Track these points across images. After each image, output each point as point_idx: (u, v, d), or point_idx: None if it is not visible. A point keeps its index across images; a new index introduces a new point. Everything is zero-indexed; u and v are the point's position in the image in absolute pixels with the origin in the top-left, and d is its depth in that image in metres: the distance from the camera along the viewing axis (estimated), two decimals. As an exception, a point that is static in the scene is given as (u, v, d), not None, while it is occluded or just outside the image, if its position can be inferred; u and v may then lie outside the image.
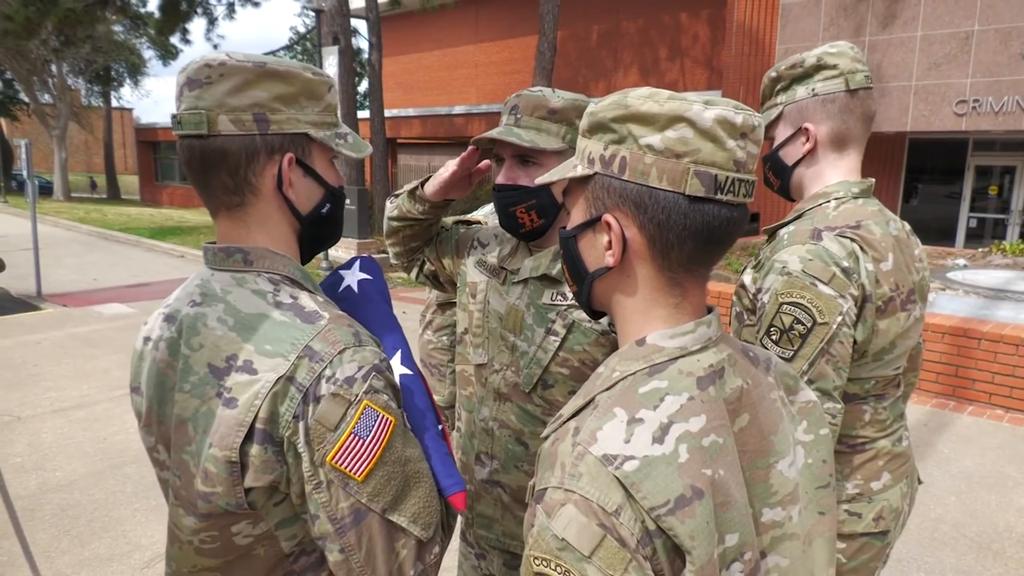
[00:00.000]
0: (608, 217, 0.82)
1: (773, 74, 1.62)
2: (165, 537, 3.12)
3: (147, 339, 1.06)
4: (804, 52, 1.57)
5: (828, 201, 1.51)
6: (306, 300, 0.98)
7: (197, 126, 0.95)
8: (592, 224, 0.85)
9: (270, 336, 0.93)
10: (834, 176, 1.55)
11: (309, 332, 0.93)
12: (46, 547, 3.33)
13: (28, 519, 3.56)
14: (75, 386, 5.71)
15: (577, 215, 0.88)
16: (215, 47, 23.31)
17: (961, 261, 9.73)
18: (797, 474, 0.89)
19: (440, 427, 1.09)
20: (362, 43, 19.96)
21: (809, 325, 1.37)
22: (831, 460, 0.95)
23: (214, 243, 1.04)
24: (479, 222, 1.79)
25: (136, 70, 32.31)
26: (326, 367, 0.90)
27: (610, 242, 0.83)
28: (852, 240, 1.42)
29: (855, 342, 1.42)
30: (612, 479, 0.72)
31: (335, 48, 12.98)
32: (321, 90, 1.02)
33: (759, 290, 1.47)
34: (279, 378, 0.90)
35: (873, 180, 1.58)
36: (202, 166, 0.97)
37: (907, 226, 1.61)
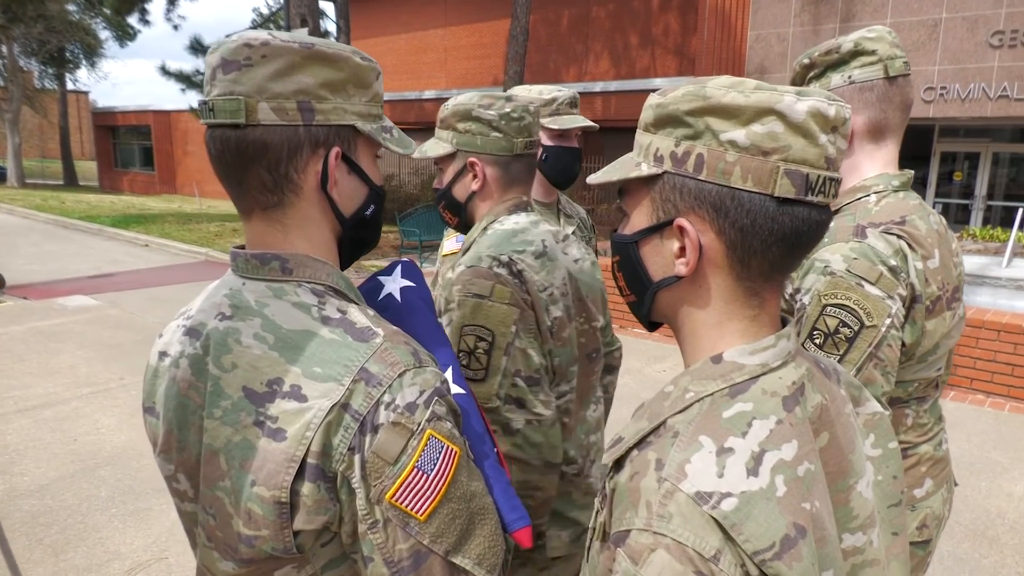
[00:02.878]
0: (682, 221, 0.74)
1: (806, 61, 1.53)
2: (145, 543, 2.92)
3: (163, 354, 0.95)
4: (840, 37, 1.49)
5: (868, 195, 1.44)
6: (356, 314, 0.87)
7: (233, 114, 0.83)
8: (660, 229, 0.76)
9: (319, 357, 0.81)
10: (871, 168, 1.48)
11: (363, 352, 0.82)
12: (18, 557, 3.14)
13: (-4, 528, 3.38)
14: (40, 384, 5.46)
15: (640, 218, 0.79)
16: (175, 28, 22.61)
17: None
18: (871, 493, 0.82)
19: (496, 451, 0.99)
20: (329, 26, 19.53)
21: (856, 328, 1.30)
22: (901, 476, 0.89)
23: (243, 247, 0.92)
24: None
25: (92, 51, 31.09)
26: (384, 392, 0.80)
27: (682, 249, 0.75)
28: (899, 237, 1.35)
29: (903, 344, 1.35)
30: (708, 520, 0.64)
31: (303, 31, 12.64)
32: (370, 77, 0.91)
33: (797, 290, 1.39)
34: (333, 405, 0.79)
35: (912, 172, 1.51)
36: (237, 160, 0.85)
37: (943, 220, 1.55)
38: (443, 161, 1.57)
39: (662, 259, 0.78)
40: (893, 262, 1.32)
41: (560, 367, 1.49)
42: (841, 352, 1.30)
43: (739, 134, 0.70)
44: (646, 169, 0.76)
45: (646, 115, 0.78)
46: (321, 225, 0.92)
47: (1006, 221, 12.46)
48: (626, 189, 0.82)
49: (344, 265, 0.99)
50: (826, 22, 12.36)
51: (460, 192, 1.56)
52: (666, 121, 0.75)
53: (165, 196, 25.57)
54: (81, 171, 34.72)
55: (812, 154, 0.70)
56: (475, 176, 1.51)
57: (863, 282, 1.30)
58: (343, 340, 0.83)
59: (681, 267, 0.75)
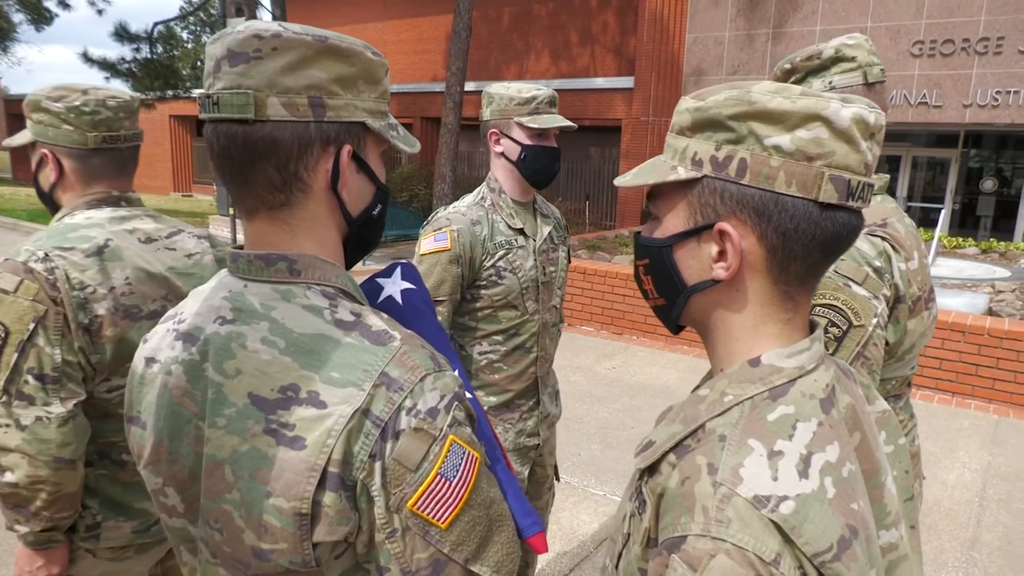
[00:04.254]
0: (724, 225, 0.74)
1: (787, 66, 1.56)
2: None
3: (151, 360, 0.89)
4: (821, 44, 1.53)
5: None
6: (371, 317, 0.84)
7: (242, 109, 0.79)
8: (697, 232, 0.76)
9: (336, 361, 0.78)
10: None
11: (382, 356, 0.79)
12: (-60, 580, 2.93)
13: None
14: (-43, 390, 5.09)
15: (674, 222, 0.79)
16: (99, 13, 21.45)
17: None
18: (895, 489, 0.85)
19: (504, 455, 0.98)
20: (265, 16, 18.95)
21: (844, 328, 1.33)
22: (911, 471, 0.92)
23: (242, 247, 0.88)
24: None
25: (5, 35, 29.30)
26: (406, 397, 0.78)
27: (722, 253, 0.75)
28: (883, 239, 1.39)
29: (887, 343, 1.39)
30: (767, 524, 0.65)
31: (239, 20, 12.25)
32: (380, 73, 0.88)
33: None
34: (354, 412, 0.76)
35: (888, 177, 1.56)
36: (244, 157, 0.81)
37: (913, 223, 1.61)
38: (30, 150, 1.62)
39: (698, 263, 0.78)
40: (878, 263, 1.36)
41: (102, 364, 1.53)
42: (830, 351, 1.33)
43: (784, 139, 0.71)
44: (683, 173, 0.76)
45: (681, 119, 0.78)
46: (328, 225, 0.89)
47: (925, 222, 13.14)
48: (658, 192, 0.81)
49: (347, 266, 0.96)
50: (759, 27, 12.79)
51: (43, 182, 1.62)
52: (706, 125, 0.76)
53: (86, 190, 24.33)
54: (-8, 162, 32.69)
55: (854, 160, 0.72)
56: (52, 167, 1.56)
57: (850, 283, 1.34)
58: (360, 344, 0.80)
59: (720, 271, 0.76)
